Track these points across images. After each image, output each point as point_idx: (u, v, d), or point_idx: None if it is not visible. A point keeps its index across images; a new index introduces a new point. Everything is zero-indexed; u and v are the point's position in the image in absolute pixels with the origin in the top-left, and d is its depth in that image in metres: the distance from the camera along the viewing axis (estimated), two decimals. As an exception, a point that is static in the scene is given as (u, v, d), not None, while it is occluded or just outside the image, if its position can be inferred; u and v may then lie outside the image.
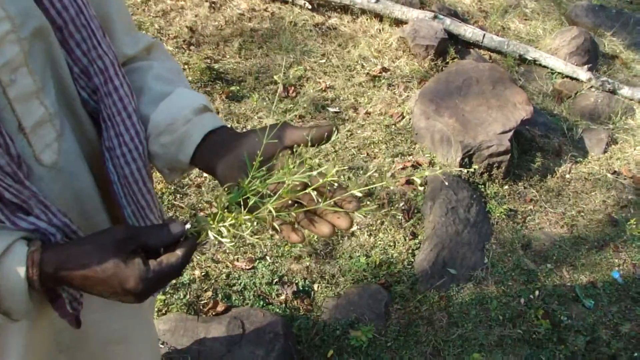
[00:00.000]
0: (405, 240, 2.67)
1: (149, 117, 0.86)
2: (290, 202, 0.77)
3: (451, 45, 4.10)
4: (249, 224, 0.78)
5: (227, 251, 2.41)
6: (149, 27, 3.58)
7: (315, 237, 2.51)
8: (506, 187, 3.19)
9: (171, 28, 3.64)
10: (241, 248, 2.45)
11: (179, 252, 0.75)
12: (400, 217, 2.77)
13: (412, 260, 2.60)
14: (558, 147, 3.57)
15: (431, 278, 2.53)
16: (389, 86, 3.69)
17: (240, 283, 2.29)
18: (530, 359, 2.32)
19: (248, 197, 0.77)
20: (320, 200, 0.75)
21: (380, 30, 4.16)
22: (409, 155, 3.21)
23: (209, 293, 2.21)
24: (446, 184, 2.88)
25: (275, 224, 0.77)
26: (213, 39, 3.68)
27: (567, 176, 3.41)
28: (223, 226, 0.77)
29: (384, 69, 3.80)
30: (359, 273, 2.48)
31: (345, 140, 3.21)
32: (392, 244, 2.65)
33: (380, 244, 2.63)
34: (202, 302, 2.17)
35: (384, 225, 2.72)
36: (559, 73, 4.27)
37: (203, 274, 2.30)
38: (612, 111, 4.02)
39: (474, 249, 2.72)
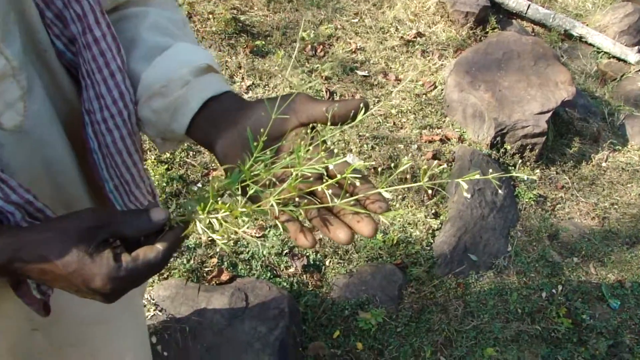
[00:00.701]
0: (426, 219, 2.52)
1: (140, 76, 0.71)
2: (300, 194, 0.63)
3: (493, 14, 3.85)
4: (246, 218, 0.65)
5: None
6: (174, -29, 3.39)
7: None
8: (537, 171, 3.01)
9: (198, -27, 3.45)
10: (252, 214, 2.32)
11: (159, 246, 0.62)
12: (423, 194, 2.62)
13: (432, 241, 2.45)
14: (597, 133, 3.35)
15: (450, 263, 2.38)
16: (422, 53, 3.47)
17: (249, 251, 2.17)
18: (547, 359, 2.19)
19: (248, 185, 0.63)
20: (337, 196, 0.61)
21: (418, -8, 3.92)
22: (438, 128, 3.03)
23: (214, 260, 2.09)
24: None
25: (279, 222, 0.63)
26: (241, -12, 3.48)
27: (604, 164, 3.21)
28: (215, 218, 0.64)
29: (419, 34, 3.58)
30: (375, 251, 2.35)
31: (371, 106, 3.03)
32: (412, 222, 2.50)
33: (399, 221, 2.49)
34: (207, 269, 2.06)
35: (405, 201, 2.57)
36: (605, 53, 4.00)
37: (210, 238, 2.18)
38: (659, 98, 3.77)
39: (498, 235, 2.57)
